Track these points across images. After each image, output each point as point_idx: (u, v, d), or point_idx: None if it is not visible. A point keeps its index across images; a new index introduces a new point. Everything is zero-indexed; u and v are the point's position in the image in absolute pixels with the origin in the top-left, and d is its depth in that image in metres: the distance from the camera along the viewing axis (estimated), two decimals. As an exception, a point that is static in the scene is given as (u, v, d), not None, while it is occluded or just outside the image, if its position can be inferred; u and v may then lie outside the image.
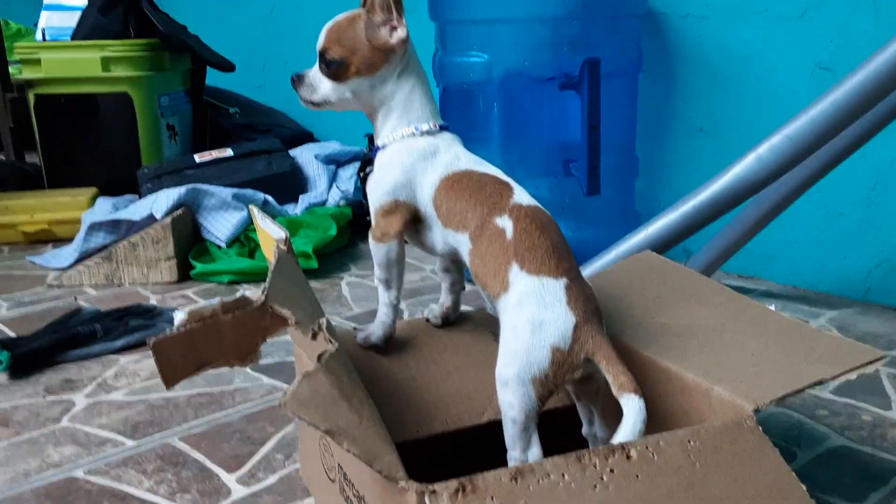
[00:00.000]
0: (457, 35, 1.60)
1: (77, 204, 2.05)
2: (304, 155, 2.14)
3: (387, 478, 0.59)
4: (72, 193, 2.12)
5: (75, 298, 1.63)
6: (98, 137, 2.25)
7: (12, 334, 1.42)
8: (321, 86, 0.89)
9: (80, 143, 2.24)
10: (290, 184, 2.05)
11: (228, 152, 2.10)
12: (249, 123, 2.51)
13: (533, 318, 0.74)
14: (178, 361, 0.64)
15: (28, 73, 2.21)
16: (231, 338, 0.65)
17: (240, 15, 2.83)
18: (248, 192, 1.91)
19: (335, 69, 0.88)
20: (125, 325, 1.41)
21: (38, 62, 2.19)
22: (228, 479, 0.97)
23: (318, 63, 0.89)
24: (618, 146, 1.63)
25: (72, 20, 2.29)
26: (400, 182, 0.84)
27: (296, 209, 1.98)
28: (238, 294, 0.69)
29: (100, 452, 1.04)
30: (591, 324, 0.75)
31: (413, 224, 0.86)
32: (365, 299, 1.60)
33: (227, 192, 1.86)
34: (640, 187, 1.77)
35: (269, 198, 1.96)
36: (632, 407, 0.71)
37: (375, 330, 0.89)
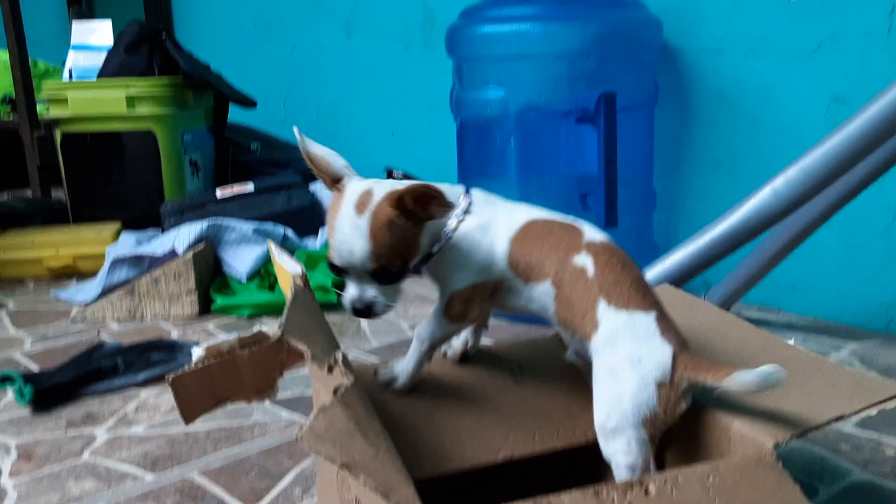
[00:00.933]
0: (474, 71, 1.63)
1: (101, 239, 2.08)
2: (324, 189, 2.16)
3: (404, 513, 0.59)
4: (96, 229, 2.16)
5: (98, 332, 1.65)
6: (122, 174, 2.29)
7: (36, 368, 1.44)
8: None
9: (104, 179, 2.28)
10: (309, 218, 2.07)
11: (250, 187, 2.13)
12: (270, 158, 2.54)
13: (631, 355, 0.72)
14: (196, 397, 0.64)
15: (55, 112, 2.26)
16: (248, 373, 0.66)
17: (261, 53, 2.89)
18: (269, 226, 1.94)
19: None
20: (147, 360, 1.42)
21: (64, 101, 2.24)
22: (247, 513, 0.97)
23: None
24: (635, 179, 1.64)
25: (98, 60, 2.35)
26: (475, 268, 0.80)
27: (315, 243, 1.99)
28: (257, 328, 0.70)
29: (119, 487, 1.04)
30: (686, 350, 0.74)
31: (494, 293, 0.82)
32: (384, 332, 1.60)
33: (247, 227, 1.89)
34: (657, 220, 1.77)
35: (290, 232, 1.98)
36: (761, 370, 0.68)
37: (402, 378, 0.85)
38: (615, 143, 1.49)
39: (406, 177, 2.03)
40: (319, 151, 0.82)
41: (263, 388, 0.67)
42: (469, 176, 1.69)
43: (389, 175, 2.04)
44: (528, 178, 1.59)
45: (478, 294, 0.81)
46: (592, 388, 0.76)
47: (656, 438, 0.73)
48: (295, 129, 0.82)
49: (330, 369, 0.67)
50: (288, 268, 0.87)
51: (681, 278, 1.30)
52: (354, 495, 0.80)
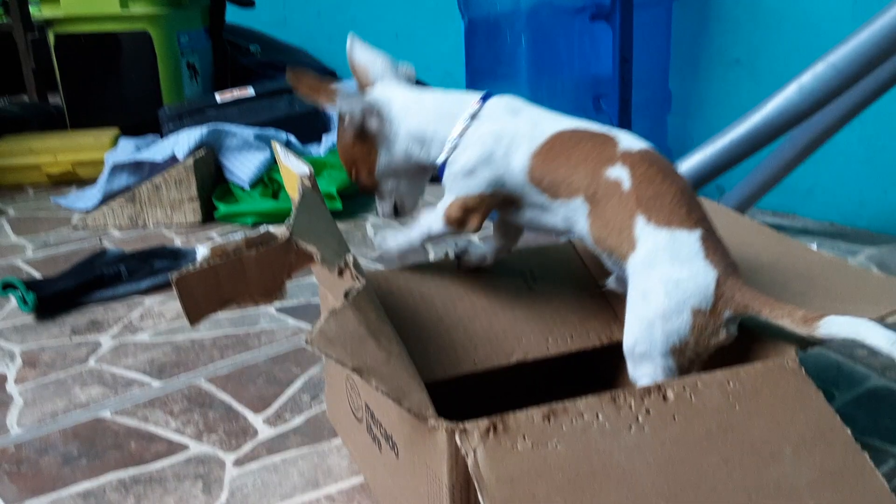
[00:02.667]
0: (483, -35, 1.54)
1: (100, 145, 2.03)
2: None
3: (416, 416, 0.57)
4: (94, 134, 2.11)
5: (100, 240, 1.63)
6: (119, 77, 2.22)
7: (38, 275, 1.42)
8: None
9: (101, 83, 2.22)
10: (313, 123, 2.01)
11: (250, 91, 2.06)
12: (270, 61, 2.46)
13: (666, 278, 0.66)
14: (201, 298, 0.62)
15: (47, 12, 2.18)
16: (255, 274, 0.63)
17: (259, -51, 2.76)
18: (271, 131, 1.88)
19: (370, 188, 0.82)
20: (150, 267, 1.40)
21: (57, 0, 2.15)
22: (255, 419, 0.96)
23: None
24: (650, 80, 1.57)
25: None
26: (483, 178, 0.75)
27: (319, 149, 1.94)
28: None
29: (126, 393, 1.04)
30: (735, 277, 0.67)
31: (512, 207, 0.77)
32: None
33: (249, 133, 1.83)
34: (672, 122, 1.71)
35: (292, 138, 1.93)
36: (842, 323, 0.63)
37: (389, 252, 0.82)
38: (631, 42, 1.43)
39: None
40: (361, 59, 0.82)
41: (271, 290, 0.65)
42: (478, 78, 1.63)
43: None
44: (539, 79, 1.53)
45: (484, 204, 0.76)
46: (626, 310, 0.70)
47: (686, 368, 0.68)
48: (349, 37, 0.82)
49: (340, 272, 0.64)
50: (295, 169, 0.83)
51: (697, 183, 1.26)
52: (364, 401, 0.79)
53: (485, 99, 0.78)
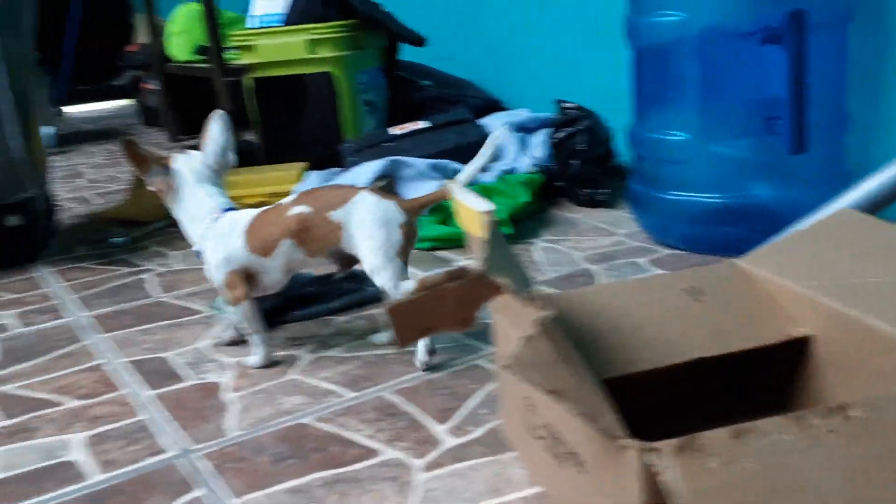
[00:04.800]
0: (649, -5, 1.58)
1: (290, 178, 2.22)
2: (494, 123, 2.19)
3: (609, 436, 0.62)
4: (285, 168, 2.31)
5: (336, 273, 1.78)
6: (306, 116, 2.42)
7: (242, 296, 1.58)
8: None
9: (290, 121, 2.43)
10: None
11: (422, 124, 2.19)
12: (440, 95, 2.59)
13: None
14: (409, 324, 0.70)
15: (245, 59, 2.42)
16: (453, 305, 0.71)
17: (429, -11, 2.92)
18: (444, 162, 2.00)
19: None
20: (339, 289, 1.53)
21: (253, 48, 2.39)
22: (439, 430, 1.04)
23: None
24: (826, 101, 1.54)
25: (279, 6, 2.47)
26: (222, 258, 1.25)
27: (488, 176, 2.03)
28: (456, 264, 0.74)
29: (324, 402, 1.15)
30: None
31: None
32: (559, 263, 1.63)
33: (424, 163, 1.96)
34: (851, 144, 1.66)
35: (462, 167, 2.02)
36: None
37: None
38: (804, 64, 1.41)
39: (577, 108, 2.01)
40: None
41: (466, 319, 0.72)
42: (646, 104, 1.66)
43: (561, 107, 2.03)
44: (709, 105, 1.54)
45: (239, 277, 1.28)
46: None
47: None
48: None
49: (530, 302, 0.70)
50: (475, 206, 0.91)
51: (877, 207, 1.23)
52: (544, 420, 0.84)
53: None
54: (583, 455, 0.74)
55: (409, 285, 1.06)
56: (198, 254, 1.28)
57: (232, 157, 1.33)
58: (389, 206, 1.21)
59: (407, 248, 1.22)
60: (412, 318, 0.71)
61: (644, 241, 1.72)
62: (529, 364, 0.62)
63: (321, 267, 1.31)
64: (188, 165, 1.29)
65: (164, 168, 1.27)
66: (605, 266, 1.59)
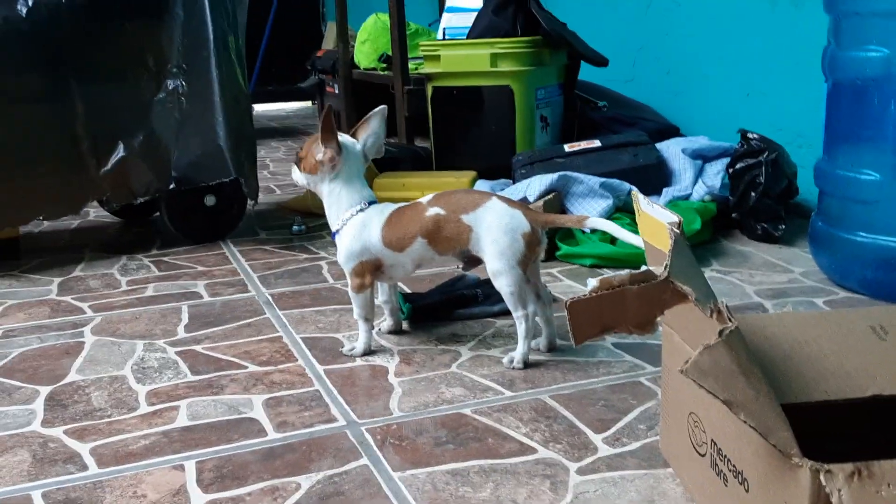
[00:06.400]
0: (854, 28, 1.52)
1: (459, 185, 2.29)
2: (671, 149, 2.17)
3: (781, 453, 0.62)
4: (455, 175, 2.39)
5: (458, 267, 1.85)
6: (480, 126, 2.49)
7: (408, 290, 1.66)
8: (294, 168, 1.39)
9: (465, 130, 2.51)
10: (654, 176, 2.10)
11: (596, 143, 2.20)
12: (616, 116, 2.59)
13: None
14: (586, 322, 0.73)
15: (429, 68, 2.53)
16: (633, 307, 0.72)
17: (615, 11, 2.93)
18: (615, 181, 2.00)
19: (296, 161, 1.39)
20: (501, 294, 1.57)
21: (437, 58, 2.49)
22: (595, 438, 1.06)
23: None
24: None
25: (468, 20, 2.56)
26: (358, 248, 1.31)
27: (659, 201, 2.02)
28: (592, 279, 0.75)
29: (483, 397, 1.19)
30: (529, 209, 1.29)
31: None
32: (727, 295, 1.59)
33: (594, 181, 1.97)
34: None
35: (634, 188, 2.02)
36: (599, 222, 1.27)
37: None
38: None
39: (761, 140, 1.96)
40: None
41: (644, 323, 0.74)
42: (838, 140, 1.59)
43: (743, 136, 1.98)
44: (909, 145, 1.46)
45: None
46: None
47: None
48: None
49: (712, 313, 0.71)
50: (660, 217, 0.92)
51: None
52: (710, 437, 0.84)
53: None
54: (749, 472, 0.73)
55: (591, 284, 1.09)
56: (333, 234, 1.34)
57: (382, 150, 1.39)
58: (516, 215, 1.25)
59: (529, 257, 1.26)
60: (590, 316, 0.73)
61: (821, 282, 1.65)
62: (707, 370, 0.63)
63: (446, 262, 1.39)
64: (353, 148, 1.34)
65: (338, 145, 1.31)
66: (777, 302, 1.54)
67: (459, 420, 1.12)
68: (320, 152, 1.31)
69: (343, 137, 1.33)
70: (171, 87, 2.02)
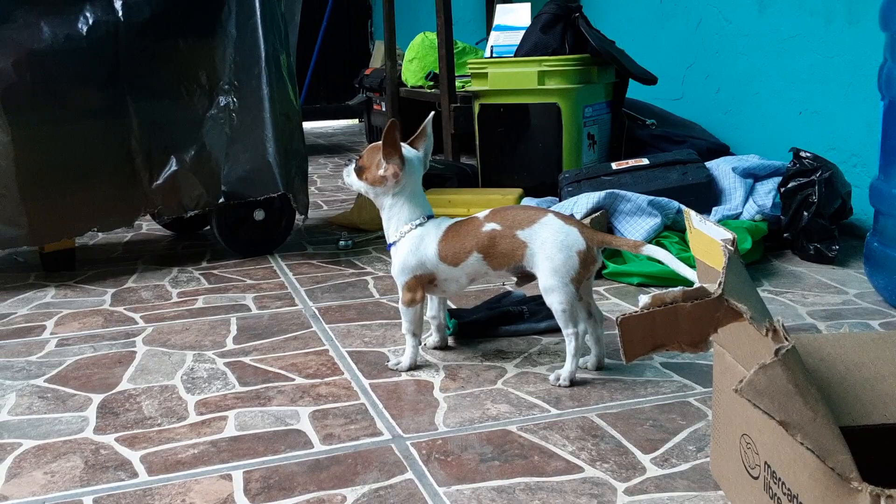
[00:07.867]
0: (912, 44, 1.49)
1: (505, 202, 2.30)
2: (721, 167, 2.14)
3: (840, 476, 0.60)
4: (501, 192, 2.39)
5: (503, 283, 1.84)
6: (527, 144, 2.49)
7: (453, 306, 1.66)
8: (351, 175, 1.36)
9: (511, 147, 2.51)
10: (704, 195, 2.07)
11: (644, 161, 2.18)
12: (664, 134, 2.57)
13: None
14: (638, 339, 0.72)
15: (476, 86, 2.54)
16: (686, 324, 0.71)
17: (664, 29, 2.91)
18: (663, 200, 1.98)
19: (355, 168, 1.35)
20: (548, 310, 1.55)
21: (485, 76, 2.50)
22: (643, 458, 1.04)
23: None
24: None
25: (516, 39, 2.57)
26: (414, 263, 1.31)
27: (709, 219, 1.99)
28: (643, 296, 0.74)
29: (529, 414, 1.18)
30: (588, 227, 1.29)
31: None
32: (779, 315, 1.56)
33: (642, 199, 1.95)
34: None
35: (683, 207, 1.99)
36: (654, 249, 1.26)
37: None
38: None
39: (814, 159, 1.92)
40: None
41: (697, 340, 0.72)
42: (893, 160, 1.56)
43: (795, 155, 1.95)
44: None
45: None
46: None
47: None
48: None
49: (767, 331, 0.70)
50: (714, 235, 0.90)
51: None
52: (763, 460, 0.82)
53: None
54: (804, 496, 0.71)
55: (643, 300, 1.09)
56: (389, 246, 1.34)
57: (429, 157, 1.38)
58: (572, 232, 1.24)
59: (582, 275, 1.25)
60: (642, 333, 0.72)
61: (877, 304, 1.60)
62: (762, 390, 0.62)
63: (500, 277, 1.42)
64: (415, 160, 1.33)
65: (401, 159, 1.30)
66: (831, 324, 1.50)
67: (505, 437, 1.11)
68: (383, 168, 1.30)
69: (405, 150, 1.33)
70: (222, 104, 2.06)
